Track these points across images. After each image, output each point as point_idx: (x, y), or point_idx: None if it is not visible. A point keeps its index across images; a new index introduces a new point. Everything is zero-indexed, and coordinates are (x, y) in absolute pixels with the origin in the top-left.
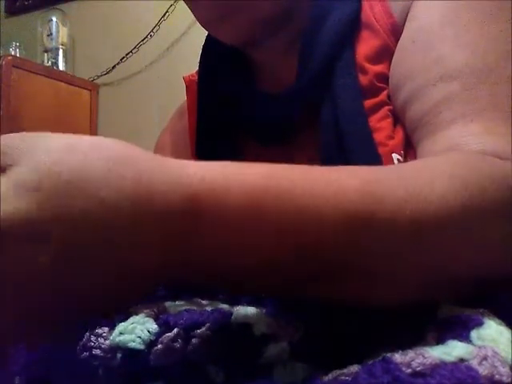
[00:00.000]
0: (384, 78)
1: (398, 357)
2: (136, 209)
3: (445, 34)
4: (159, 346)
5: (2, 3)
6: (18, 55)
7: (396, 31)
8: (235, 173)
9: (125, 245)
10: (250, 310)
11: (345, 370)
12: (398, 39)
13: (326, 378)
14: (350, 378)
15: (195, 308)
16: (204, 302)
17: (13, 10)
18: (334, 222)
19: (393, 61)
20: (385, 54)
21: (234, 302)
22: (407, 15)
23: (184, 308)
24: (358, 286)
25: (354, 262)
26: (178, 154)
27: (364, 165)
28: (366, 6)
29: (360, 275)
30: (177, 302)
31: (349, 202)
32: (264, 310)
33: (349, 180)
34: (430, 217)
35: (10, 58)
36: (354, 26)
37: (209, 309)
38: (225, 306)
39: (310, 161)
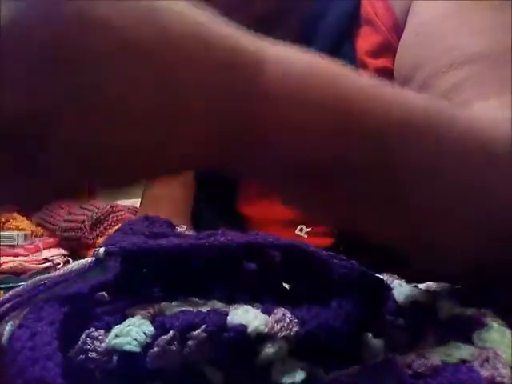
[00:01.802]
0: (385, 72)
1: (399, 358)
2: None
3: (450, 24)
4: (155, 348)
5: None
6: None
7: (397, 27)
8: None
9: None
10: (246, 309)
11: (345, 371)
12: (399, 35)
13: (326, 379)
14: (350, 379)
15: (191, 309)
16: (200, 301)
17: None
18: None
19: (397, 55)
20: (386, 49)
21: (230, 300)
22: (408, 12)
23: (180, 309)
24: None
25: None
26: None
27: None
28: (365, 2)
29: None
30: (173, 303)
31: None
32: (260, 309)
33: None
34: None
35: None
36: (353, 21)
37: (205, 309)
38: (221, 306)
39: None
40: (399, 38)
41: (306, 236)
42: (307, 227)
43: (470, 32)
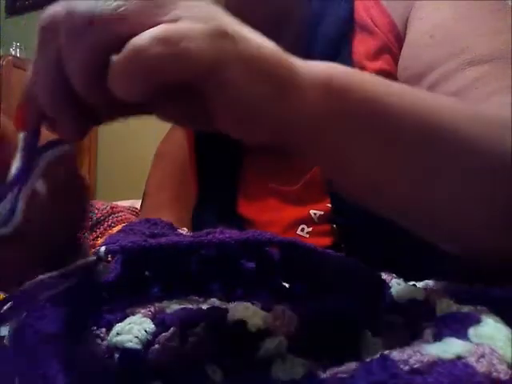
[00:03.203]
0: (383, 73)
1: (395, 354)
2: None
3: (464, 26)
4: (156, 345)
5: (3, 3)
6: (18, 55)
7: (393, 29)
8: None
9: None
10: (246, 306)
11: (343, 367)
12: (397, 37)
13: (324, 376)
14: (347, 375)
15: (191, 306)
16: (200, 299)
17: (13, 10)
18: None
19: (407, 55)
20: (384, 51)
21: (230, 296)
22: (408, 14)
23: (180, 307)
24: None
25: None
26: (177, 164)
27: None
28: (359, 7)
29: None
30: (173, 301)
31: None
32: (259, 305)
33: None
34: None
35: (10, 58)
36: (348, 25)
37: (204, 306)
38: (220, 303)
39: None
40: (396, 39)
41: (307, 236)
42: (308, 227)
43: (484, 33)
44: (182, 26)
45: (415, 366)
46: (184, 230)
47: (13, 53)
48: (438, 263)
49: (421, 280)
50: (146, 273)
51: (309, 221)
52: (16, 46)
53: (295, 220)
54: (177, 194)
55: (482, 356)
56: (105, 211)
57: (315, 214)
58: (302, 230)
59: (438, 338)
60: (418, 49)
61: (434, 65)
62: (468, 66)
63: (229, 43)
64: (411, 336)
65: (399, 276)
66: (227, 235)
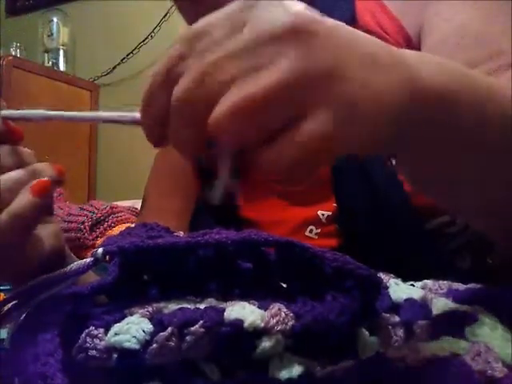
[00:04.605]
0: None
1: (392, 352)
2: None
3: (494, 28)
4: (154, 345)
5: (3, 3)
6: (18, 55)
7: (401, 31)
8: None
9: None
10: (243, 305)
11: (340, 366)
12: (405, 38)
13: (320, 374)
14: (344, 373)
15: (188, 306)
16: (197, 298)
17: (13, 10)
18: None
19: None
20: None
21: (227, 296)
22: (421, 19)
23: (178, 307)
24: None
25: None
26: (178, 168)
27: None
28: (364, 12)
29: None
30: (171, 301)
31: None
32: (256, 305)
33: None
34: None
35: (10, 58)
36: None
37: (202, 306)
38: (217, 303)
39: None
40: (405, 40)
41: (316, 237)
42: (316, 228)
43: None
44: None
45: (411, 364)
46: (180, 233)
47: (13, 53)
48: (438, 263)
49: (421, 280)
50: (145, 277)
51: (317, 222)
52: (16, 46)
53: (303, 221)
54: (177, 200)
55: (478, 354)
56: (105, 211)
57: (323, 214)
58: (311, 231)
59: (434, 336)
60: (448, 49)
61: (470, 66)
62: (496, 72)
63: None
64: (408, 335)
65: (400, 276)
66: (224, 235)
